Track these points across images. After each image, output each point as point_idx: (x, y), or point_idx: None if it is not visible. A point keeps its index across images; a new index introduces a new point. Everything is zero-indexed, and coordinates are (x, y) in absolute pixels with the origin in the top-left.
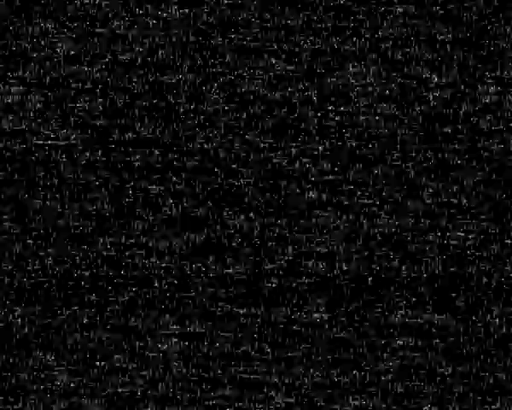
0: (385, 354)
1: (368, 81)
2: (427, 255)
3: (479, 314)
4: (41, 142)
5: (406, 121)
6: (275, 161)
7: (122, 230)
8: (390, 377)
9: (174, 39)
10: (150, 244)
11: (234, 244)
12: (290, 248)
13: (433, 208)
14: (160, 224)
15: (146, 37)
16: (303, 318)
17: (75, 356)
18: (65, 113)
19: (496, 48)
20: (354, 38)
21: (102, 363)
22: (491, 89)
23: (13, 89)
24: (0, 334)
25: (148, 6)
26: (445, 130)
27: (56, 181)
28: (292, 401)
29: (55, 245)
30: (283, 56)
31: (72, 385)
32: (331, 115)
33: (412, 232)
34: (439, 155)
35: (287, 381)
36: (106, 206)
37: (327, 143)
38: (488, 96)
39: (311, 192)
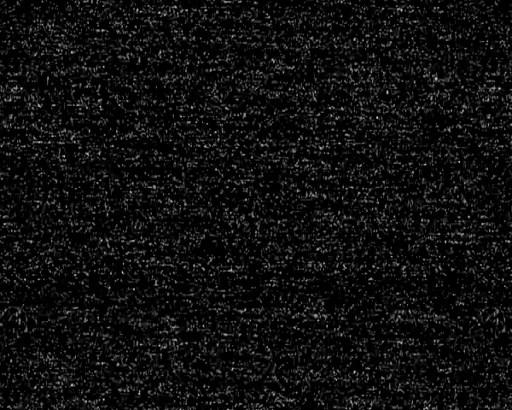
0: (385, 354)
1: (368, 81)
2: (427, 255)
3: (479, 314)
4: (41, 142)
5: (406, 121)
6: (275, 161)
7: (122, 230)
8: (390, 377)
9: (174, 39)
10: (150, 244)
11: (234, 244)
12: (290, 248)
13: (433, 208)
14: (160, 224)
15: (146, 37)
16: (303, 318)
17: (75, 356)
18: (65, 113)
19: (496, 48)
20: (354, 38)
21: (102, 363)
22: (491, 89)
23: (13, 89)
24: (0, 334)
25: (148, 6)
26: (445, 130)
27: (56, 181)
28: (292, 401)
29: (55, 245)
30: (283, 56)
31: (72, 385)
32: (331, 115)
33: (412, 232)
34: (439, 155)
35: (287, 381)
36: (106, 206)
37: (327, 143)
38: (488, 96)
39: (311, 192)
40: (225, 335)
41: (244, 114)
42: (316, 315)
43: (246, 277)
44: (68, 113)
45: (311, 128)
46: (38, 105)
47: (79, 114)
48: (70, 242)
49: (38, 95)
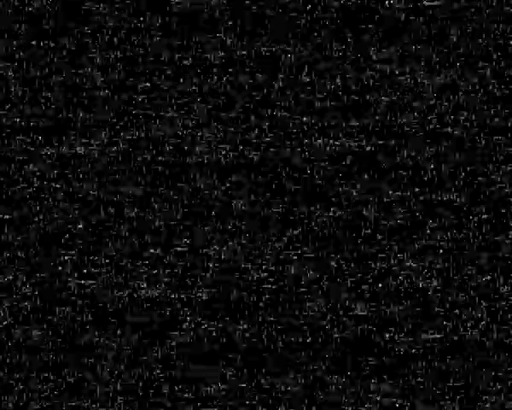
0: (384, 356)
1: (368, 81)
2: (427, 255)
3: (479, 314)
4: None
5: (406, 121)
6: (275, 161)
7: (124, 229)
8: (391, 376)
9: (175, 39)
10: (150, 244)
11: (233, 244)
12: (290, 247)
13: (432, 207)
14: (162, 224)
15: (146, 37)
16: (303, 318)
17: (75, 356)
18: (65, 112)
19: (495, 47)
20: (354, 39)
21: (103, 363)
22: (491, 88)
23: (13, 88)
24: (0, 335)
25: (148, 6)
26: (445, 130)
27: (58, 185)
28: (292, 400)
29: (53, 247)
30: (285, 58)
31: (72, 385)
32: (332, 115)
33: (412, 232)
34: (439, 155)
35: (287, 381)
36: (108, 207)
37: (327, 143)
38: (488, 96)
39: (310, 189)
40: (226, 334)
41: (244, 114)
42: (316, 315)
43: (247, 276)
44: (68, 112)
45: (311, 128)
46: (39, 105)
47: (81, 115)
48: (69, 242)
49: (38, 94)
